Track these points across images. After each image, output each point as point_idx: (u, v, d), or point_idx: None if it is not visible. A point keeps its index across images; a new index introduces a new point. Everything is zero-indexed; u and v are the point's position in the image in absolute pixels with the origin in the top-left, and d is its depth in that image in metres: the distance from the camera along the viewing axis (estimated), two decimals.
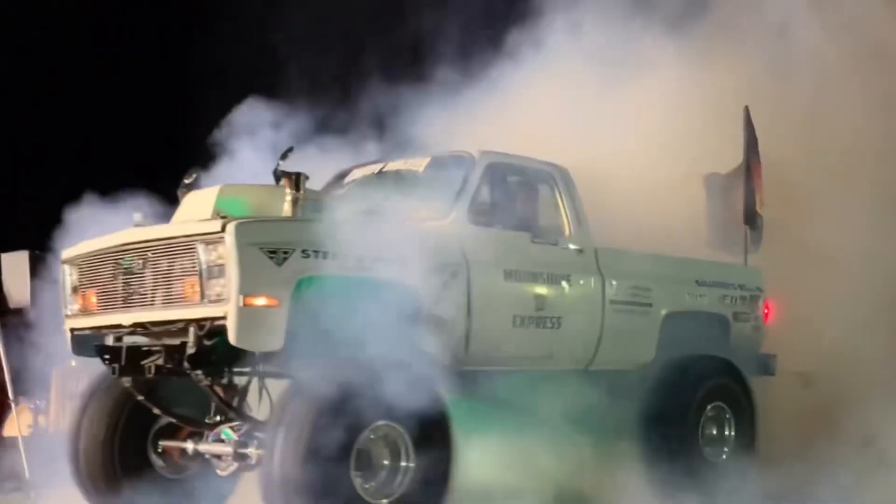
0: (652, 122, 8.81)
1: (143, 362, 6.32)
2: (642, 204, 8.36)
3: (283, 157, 6.37)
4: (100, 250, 6.51)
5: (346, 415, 5.79)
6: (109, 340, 6.65)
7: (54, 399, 9.75)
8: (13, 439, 9.07)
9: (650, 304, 7.79)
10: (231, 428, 6.48)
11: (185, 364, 5.96)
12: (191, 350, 5.90)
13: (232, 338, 5.66)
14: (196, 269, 5.82)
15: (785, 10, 9.82)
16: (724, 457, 8.09)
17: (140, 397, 6.63)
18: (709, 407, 8.03)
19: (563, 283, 7.22)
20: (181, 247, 5.91)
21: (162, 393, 6.70)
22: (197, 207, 6.45)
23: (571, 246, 7.40)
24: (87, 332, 6.76)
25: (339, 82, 9.09)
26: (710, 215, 9.10)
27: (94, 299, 6.64)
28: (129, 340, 6.55)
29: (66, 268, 6.86)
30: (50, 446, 8.23)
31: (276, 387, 6.46)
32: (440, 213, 6.79)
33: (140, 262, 6.16)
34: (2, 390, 9.01)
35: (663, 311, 7.88)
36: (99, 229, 6.69)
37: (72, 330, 6.84)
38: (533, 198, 7.35)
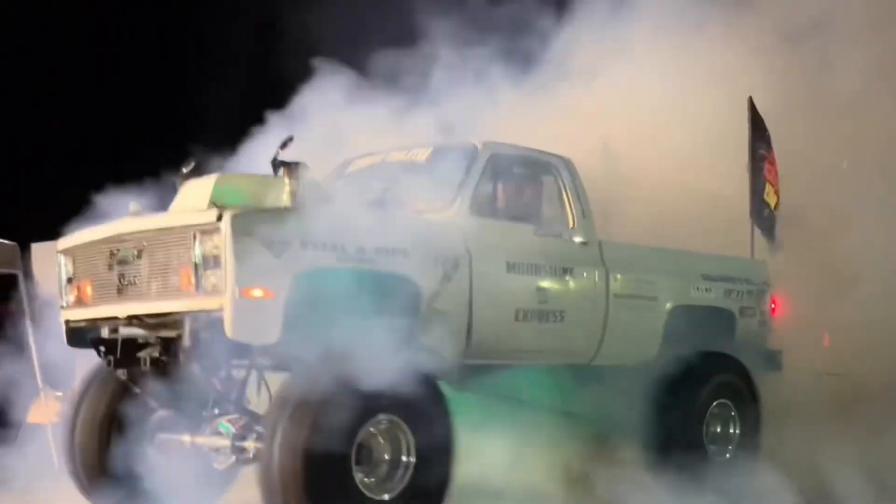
0: (668, 113, 8.72)
1: (138, 354, 6.18)
2: (659, 198, 8.30)
3: (283, 146, 6.24)
4: (95, 240, 6.40)
5: (345, 408, 5.67)
6: (105, 332, 6.53)
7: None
8: (39, 427, 9.03)
9: (655, 298, 7.68)
10: (228, 421, 6.36)
11: (181, 356, 5.84)
12: (186, 342, 5.77)
13: (228, 330, 5.53)
14: (192, 259, 5.70)
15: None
16: (728, 455, 7.96)
17: (136, 390, 6.51)
18: (714, 404, 7.91)
19: (567, 276, 7.10)
20: (177, 237, 5.79)
21: (158, 385, 6.57)
22: (194, 197, 6.32)
23: (575, 238, 7.27)
24: (82, 323, 6.65)
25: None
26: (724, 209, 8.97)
27: (88, 290, 6.54)
28: (124, 332, 6.42)
29: (62, 258, 6.75)
30: None
31: (273, 380, 6.38)
32: (442, 203, 6.68)
33: (135, 252, 6.05)
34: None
35: (668, 305, 7.76)
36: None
37: (67, 321, 6.72)
38: (537, 189, 7.25)
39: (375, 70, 8.34)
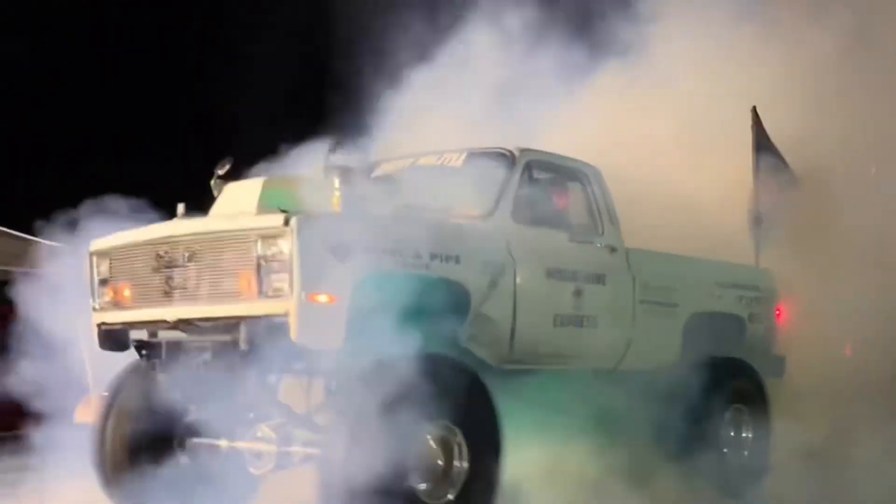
0: (678, 122, 8.84)
1: (187, 358, 6.09)
2: (669, 205, 8.41)
3: (333, 150, 6.20)
4: (137, 242, 6.30)
5: (404, 414, 5.66)
6: (144, 335, 6.43)
7: None
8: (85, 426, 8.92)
9: (676, 304, 7.79)
10: (270, 426, 6.30)
11: (236, 361, 5.77)
12: (243, 347, 5.71)
13: (293, 334, 5.49)
14: (253, 264, 5.63)
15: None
16: (742, 458, 8.11)
17: (174, 393, 6.41)
18: (729, 408, 8.06)
19: (599, 283, 7.17)
20: (237, 240, 5.72)
21: (198, 388, 6.48)
22: (239, 200, 6.26)
23: (605, 245, 7.34)
24: (117, 326, 6.54)
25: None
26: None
27: (127, 293, 6.43)
28: (165, 336, 6.33)
29: (95, 259, 6.62)
30: None
31: (316, 384, 6.36)
32: (484, 210, 6.70)
33: (186, 255, 5.96)
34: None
35: (687, 312, 7.88)
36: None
37: (101, 324, 6.60)
38: (568, 196, 7.30)
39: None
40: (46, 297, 8.39)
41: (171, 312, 6.05)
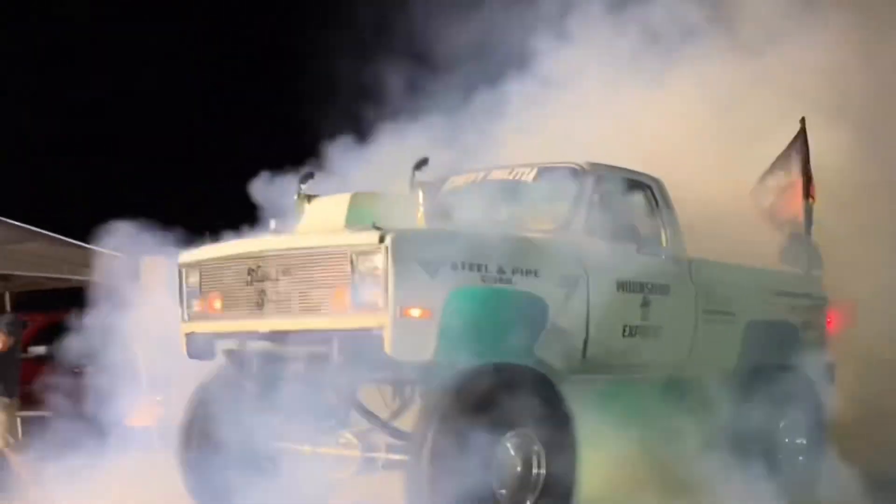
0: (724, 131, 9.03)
1: (276, 367, 6.36)
2: (714, 213, 8.58)
3: (418, 167, 6.45)
4: (229, 256, 6.57)
5: (488, 423, 5.93)
6: (231, 345, 6.69)
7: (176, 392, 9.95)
8: (139, 429, 9.23)
9: (734, 313, 8.01)
10: (355, 433, 6.57)
11: (327, 372, 6.04)
12: (335, 358, 5.98)
13: (387, 347, 5.77)
14: (348, 279, 5.90)
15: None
16: (797, 465, 8.33)
17: (265, 401, 6.68)
18: (785, 415, 8.28)
19: (664, 294, 7.40)
20: (332, 256, 5.99)
21: (284, 395, 6.75)
22: (327, 215, 6.54)
23: (669, 256, 7.58)
24: (206, 336, 6.81)
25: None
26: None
27: (217, 304, 6.70)
28: (255, 346, 6.59)
29: (185, 271, 6.90)
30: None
31: (402, 393, 6.63)
32: (559, 224, 6.94)
33: (280, 269, 6.22)
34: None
35: (745, 320, 8.10)
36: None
37: (189, 333, 6.88)
38: (634, 208, 7.53)
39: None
40: (107, 303, 8.76)
41: (263, 324, 6.33)
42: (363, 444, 6.46)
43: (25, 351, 11.36)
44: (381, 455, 6.39)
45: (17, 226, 9.18)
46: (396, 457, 6.25)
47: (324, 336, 6.04)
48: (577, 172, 7.25)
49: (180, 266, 6.93)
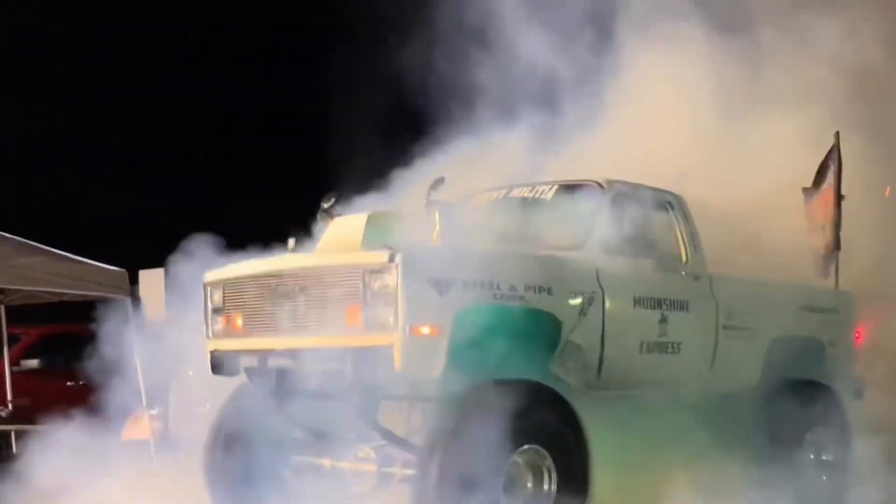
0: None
1: (295, 384, 6.50)
2: (742, 227, 8.59)
3: (434, 187, 6.56)
4: (250, 275, 6.73)
5: (497, 439, 6.00)
6: (252, 362, 6.85)
7: (174, 407, 10.15)
8: (136, 442, 9.43)
9: (757, 329, 8.01)
10: (372, 448, 6.69)
11: (342, 388, 6.17)
12: (349, 375, 6.10)
13: (397, 364, 5.88)
14: (360, 297, 6.03)
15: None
16: (822, 482, 8.30)
17: (285, 417, 6.83)
18: (809, 431, 8.25)
19: (683, 310, 7.43)
20: (345, 275, 6.12)
21: (303, 411, 6.90)
22: (345, 234, 6.66)
23: (689, 272, 7.61)
24: (230, 353, 6.97)
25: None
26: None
27: (239, 322, 6.86)
28: (274, 363, 6.74)
29: (209, 290, 7.07)
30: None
31: (415, 410, 6.74)
32: (576, 241, 7.01)
33: (297, 287, 6.37)
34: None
35: (769, 336, 8.10)
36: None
37: (213, 351, 7.04)
38: (654, 225, 7.57)
39: None
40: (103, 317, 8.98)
41: (281, 342, 6.47)
42: (380, 459, 6.57)
43: (18, 364, 11.67)
44: (397, 470, 6.48)
45: (12, 239, 9.29)
46: (411, 472, 6.34)
47: (337, 353, 6.16)
48: (595, 189, 7.32)
49: (205, 285, 7.10)
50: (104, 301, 9.63)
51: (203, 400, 8.65)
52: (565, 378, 6.66)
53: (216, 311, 7.02)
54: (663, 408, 7.42)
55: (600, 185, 7.33)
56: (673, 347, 7.33)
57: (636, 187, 7.53)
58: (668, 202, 7.71)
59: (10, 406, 10.82)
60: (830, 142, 9.22)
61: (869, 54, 9.91)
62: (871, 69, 9.92)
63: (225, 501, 7.31)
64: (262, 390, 6.75)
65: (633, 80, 9.78)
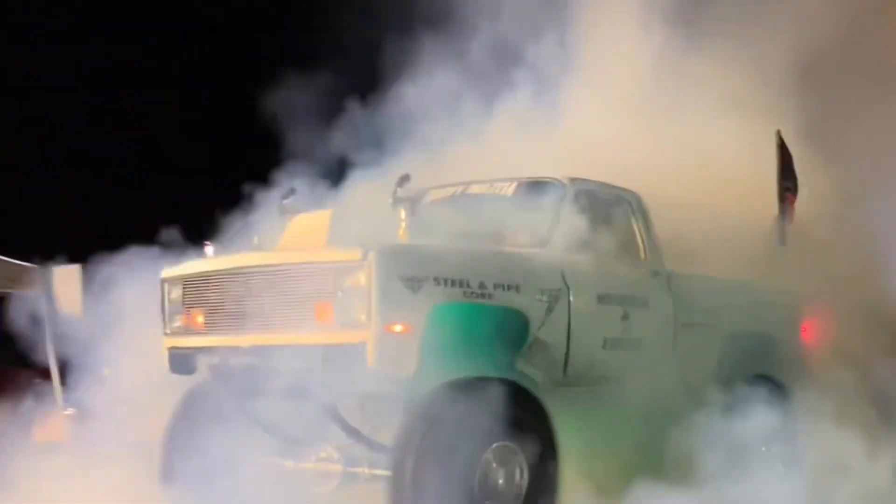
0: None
1: (259, 382, 6.39)
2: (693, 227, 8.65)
3: (400, 183, 6.50)
4: (213, 271, 6.61)
5: (471, 436, 5.99)
6: (216, 360, 6.73)
7: (89, 407, 9.87)
8: (49, 444, 9.18)
9: (714, 325, 8.09)
10: (336, 448, 6.61)
11: (310, 386, 6.09)
12: (317, 373, 6.03)
13: (371, 362, 5.83)
14: (331, 294, 5.96)
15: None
16: (775, 472, 8.41)
17: (247, 416, 6.72)
18: (763, 424, 8.35)
19: (643, 307, 7.49)
20: (316, 272, 6.04)
21: (265, 410, 6.79)
22: (308, 231, 6.57)
23: (648, 269, 7.66)
24: (189, 350, 6.84)
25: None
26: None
27: (200, 319, 6.74)
28: (237, 361, 6.63)
29: (167, 286, 6.93)
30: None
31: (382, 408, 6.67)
32: (539, 239, 7.01)
33: (263, 284, 6.27)
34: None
35: (725, 332, 8.18)
36: None
37: (172, 348, 6.91)
38: (613, 222, 7.60)
39: None
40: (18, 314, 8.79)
41: (246, 339, 6.37)
42: (345, 459, 6.51)
43: None
44: (363, 470, 6.43)
45: None
46: (378, 471, 6.29)
47: (306, 351, 6.08)
48: (556, 187, 7.33)
49: (163, 280, 6.96)
50: (16, 298, 9.41)
51: (105, 367, 8.43)
52: (532, 375, 6.65)
53: (174, 308, 6.88)
54: (626, 403, 7.46)
55: (562, 183, 7.33)
56: (634, 343, 7.37)
57: (595, 185, 7.55)
58: (627, 200, 7.75)
59: None
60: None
61: (817, 44, 9.99)
62: (818, 63, 10.01)
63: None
64: (225, 389, 6.62)
65: (573, 72, 9.77)
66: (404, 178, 6.54)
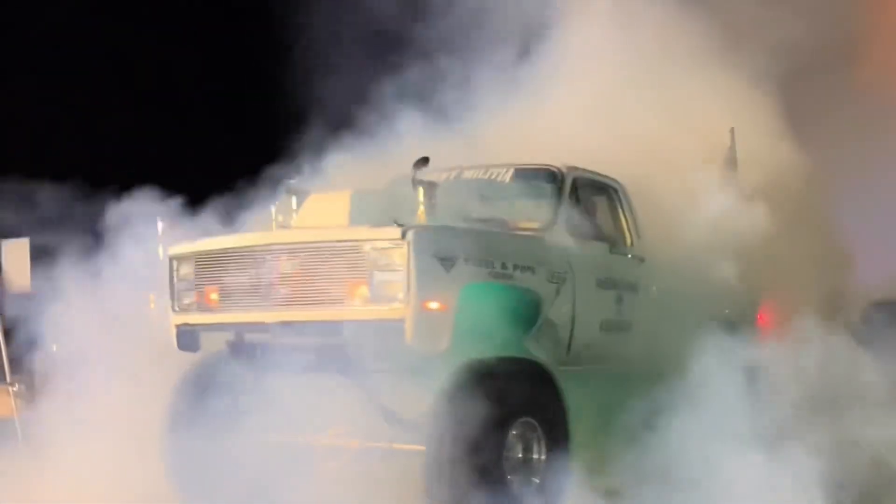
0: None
1: (282, 359, 6.45)
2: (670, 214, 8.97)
3: (419, 165, 6.62)
4: (231, 248, 6.63)
5: (500, 412, 6.18)
6: (231, 336, 6.75)
7: (37, 382, 9.72)
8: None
9: (692, 311, 8.43)
10: (349, 423, 6.72)
11: (341, 362, 6.19)
12: (350, 349, 6.14)
13: (409, 338, 5.96)
14: (365, 272, 6.08)
15: None
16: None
17: (262, 392, 6.76)
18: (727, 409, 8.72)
19: (633, 291, 7.79)
20: (352, 250, 6.14)
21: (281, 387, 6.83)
22: (328, 212, 6.66)
23: (635, 255, 7.97)
24: (199, 327, 6.85)
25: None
26: None
27: (214, 296, 6.75)
28: (251, 337, 6.67)
29: (176, 263, 6.92)
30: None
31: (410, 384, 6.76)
32: (543, 224, 7.24)
33: (290, 262, 6.34)
34: None
35: (701, 318, 8.52)
36: None
37: (181, 325, 6.90)
38: (603, 210, 7.89)
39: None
40: None
41: (272, 315, 6.42)
42: (365, 434, 6.61)
43: None
44: (384, 445, 6.54)
45: None
46: (401, 446, 6.42)
47: (336, 327, 6.17)
48: (554, 174, 7.56)
49: (171, 258, 6.94)
50: None
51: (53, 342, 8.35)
52: (540, 354, 6.86)
53: (185, 284, 6.88)
54: (619, 384, 7.75)
55: (559, 170, 7.57)
56: (626, 326, 7.67)
57: (588, 172, 7.82)
58: (613, 188, 8.04)
59: None
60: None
61: (790, 30, 10.36)
62: (795, 56, 10.40)
63: (184, 483, 7.14)
64: (242, 364, 6.65)
65: (544, 59, 9.96)
66: (423, 161, 6.65)
